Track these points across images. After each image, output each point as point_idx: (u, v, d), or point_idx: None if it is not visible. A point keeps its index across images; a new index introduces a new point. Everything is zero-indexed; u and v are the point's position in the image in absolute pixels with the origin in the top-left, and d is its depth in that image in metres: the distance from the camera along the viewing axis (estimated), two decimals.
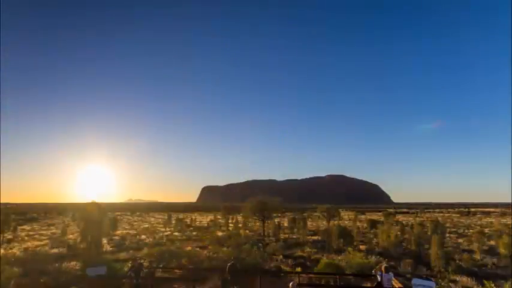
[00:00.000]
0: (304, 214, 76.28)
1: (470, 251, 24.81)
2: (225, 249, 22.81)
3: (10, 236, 33.35)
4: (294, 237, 35.87)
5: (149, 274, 12.82)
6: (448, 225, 52.23)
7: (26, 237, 33.79)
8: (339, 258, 19.88)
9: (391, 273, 10.77)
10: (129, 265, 12.84)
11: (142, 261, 12.80)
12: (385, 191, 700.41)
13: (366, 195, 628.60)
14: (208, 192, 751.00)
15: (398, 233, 34.35)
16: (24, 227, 47.93)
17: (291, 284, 9.23)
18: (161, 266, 16.84)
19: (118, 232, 38.93)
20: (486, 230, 40.41)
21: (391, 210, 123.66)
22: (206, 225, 54.92)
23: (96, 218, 24.66)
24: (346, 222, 56.46)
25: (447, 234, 36.63)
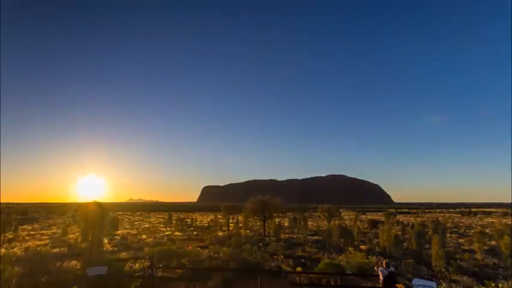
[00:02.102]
0: (305, 214, 76.26)
1: (471, 251, 24.77)
2: (225, 249, 22.82)
3: (11, 236, 33.44)
4: (295, 237, 35.86)
5: (152, 273, 12.87)
6: (449, 225, 52.18)
7: (27, 237, 33.85)
8: (340, 258, 19.87)
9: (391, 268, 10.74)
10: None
11: (148, 264, 12.89)
12: (385, 191, 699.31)
13: (366, 195, 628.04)
14: (208, 192, 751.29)
15: (399, 233, 34.33)
16: (26, 226, 48.06)
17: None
18: (162, 265, 16.86)
19: (119, 232, 38.99)
20: (487, 230, 40.35)
21: (392, 210, 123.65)
22: (207, 225, 55.00)
23: (97, 217, 24.69)
24: (347, 222, 56.42)
25: (448, 234, 36.58)
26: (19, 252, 22.94)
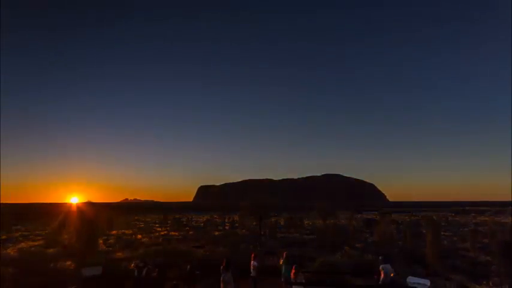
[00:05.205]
0: (301, 213, 76.45)
1: (465, 249, 25.06)
2: (221, 248, 22.81)
3: (4, 237, 33.05)
4: (291, 236, 35.97)
5: (148, 273, 12.83)
6: (443, 223, 52.69)
7: (20, 238, 33.49)
8: (335, 256, 19.97)
9: None
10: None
11: (143, 264, 12.89)
12: (380, 190, 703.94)
13: (362, 195, 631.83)
14: (204, 191, 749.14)
15: (394, 231, 34.55)
16: (19, 226, 47.50)
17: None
18: (157, 265, 16.79)
19: (114, 232, 38.74)
20: (480, 228, 40.84)
21: (387, 209, 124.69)
22: (202, 224, 54.87)
23: (91, 217, 24.50)
24: (343, 221, 56.67)
25: (442, 233, 36.93)
26: (12, 253, 22.65)
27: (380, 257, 10.09)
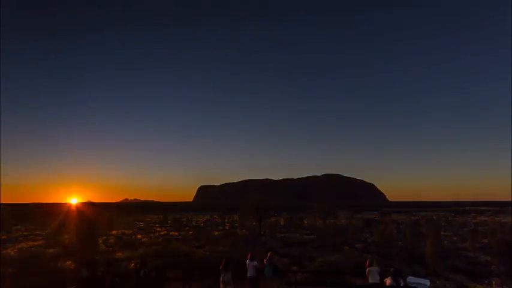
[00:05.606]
0: (301, 213, 76.49)
1: (465, 249, 25.07)
2: (221, 248, 22.81)
3: (4, 237, 33.06)
4: (290, 236, 35.98)
5: (147, 273, 12.85)
6: (443, 223, 52.73)
7: (20, 238, 33.50)
8: (335, 256, 19.98)
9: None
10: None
11: (143, 264, 12.91)
12: (380, 190, 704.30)
13: (362, 194, 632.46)
14: (204, 191, 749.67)
15: (394, 231, 34.59)
16: (19, 226, 47.51)
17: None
18: (157, 265, 16.79)
19: (114, 232, 38.76)
20: (480, 228, 40.86)
21: (387, 209, 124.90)
22: (202, 224, 54.90)
23: (91, 217, 24.52)
24: (343, 221, 56.70)
25: (442, 233, 36.97)
26: (12, 253, 22.67)
27: (392, 269, 9.52)
